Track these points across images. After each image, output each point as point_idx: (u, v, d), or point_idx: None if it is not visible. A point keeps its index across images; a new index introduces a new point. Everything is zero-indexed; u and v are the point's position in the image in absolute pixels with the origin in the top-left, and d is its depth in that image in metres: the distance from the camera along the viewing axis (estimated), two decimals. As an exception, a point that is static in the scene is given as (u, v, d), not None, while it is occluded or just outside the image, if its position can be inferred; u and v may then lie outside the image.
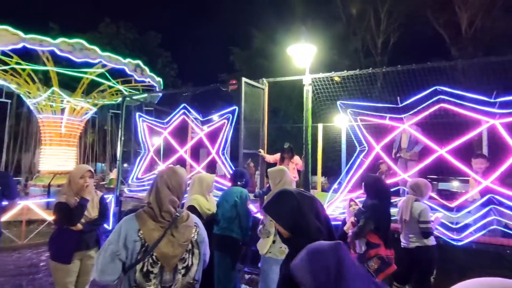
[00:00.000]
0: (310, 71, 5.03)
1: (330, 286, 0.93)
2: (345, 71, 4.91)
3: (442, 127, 5.35)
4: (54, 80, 9.84)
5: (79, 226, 2.76)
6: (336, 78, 5.10)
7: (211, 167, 7.63)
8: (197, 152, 10.23)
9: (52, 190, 9.38)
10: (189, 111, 6.89)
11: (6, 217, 5.83)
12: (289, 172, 3.31)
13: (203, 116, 7.09)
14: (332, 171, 11.46)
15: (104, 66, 9.52)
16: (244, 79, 5.60)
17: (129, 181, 7.28)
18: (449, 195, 6.64)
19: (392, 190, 3.89)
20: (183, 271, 1.58)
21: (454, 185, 9.19)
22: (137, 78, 10.29)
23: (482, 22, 15.71)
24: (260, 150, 5.83)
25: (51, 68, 9.53)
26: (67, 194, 2.78)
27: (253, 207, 3.89)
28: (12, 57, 8.85)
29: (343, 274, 0.93)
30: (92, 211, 2.91)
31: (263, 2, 18.65)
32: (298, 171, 5.94)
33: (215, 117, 6.87)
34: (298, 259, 1.02)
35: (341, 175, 5.63)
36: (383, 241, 2.97)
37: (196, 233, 1.70)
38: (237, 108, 5.79)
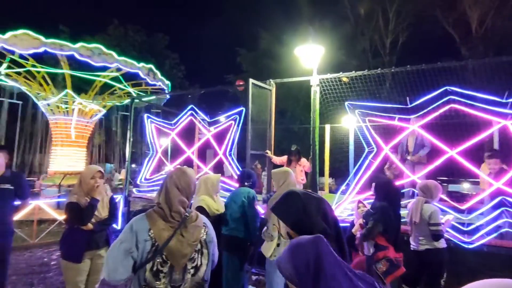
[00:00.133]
0: (317, 71, 5.02)
1: (311, 277, 0.98)
2: (353, 71, 4.88)
3: (453, 128, 5.28)
4: (68, 83, 10.06)
5: (90, 225, 2.80)
6: (344, 79, 5.07)
7: (219, 168, 7.66)
8: (204, 153, 10.30)
9: (54, 190, 9.64)
10: (196, 112, 6.94)
11: (18, 216, 5.96)
12: (293, 174, 3.29)
13: (210, 117, 7.13)
14: (340, 173, 11.39)
15: (119, 70, 9.71)
16: (251, 80, 5.61)
17: (138, 182, 7.36)
18: (460, 197, 6.54)
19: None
20: (192, 271, 1.60)
21: (465, 187, 9.04)
22: (150, 82, 10.52)
23: (493, 21, 15.45)
24: (267, 151, 5.83)
25: (67, 71, 9.76)
26: (78, 194, 2.82)
27: (260, 209, 3.89)
28: (27, 59, 9.06)
29: (322, 266, 0.98)
30: (102, 211, 2.95)
31: (270, 3, 18.66)
32: (306, 173, 5.93)
33: (222, 118, 6.91)
34: (282, 254, 1.08)
35: (349, 177, 5.59)
36: (391, 244, 2.94)
37: (205, 233, 1.71)
38: (244, 109, 5.81)
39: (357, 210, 3.54)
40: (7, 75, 9.52)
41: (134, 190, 7.21)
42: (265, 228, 2.93)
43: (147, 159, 7.53)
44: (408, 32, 17.95)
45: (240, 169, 5.33)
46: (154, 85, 10.97)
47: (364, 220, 3.10)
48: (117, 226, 6.16)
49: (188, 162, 7.20)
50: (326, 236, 1.31)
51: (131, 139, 7.50)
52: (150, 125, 7.41)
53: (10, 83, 10.26)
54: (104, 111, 11.51)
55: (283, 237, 2.88)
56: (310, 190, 1.53)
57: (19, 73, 9.57)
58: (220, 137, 6.57)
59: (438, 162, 4.40)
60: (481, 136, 4.12)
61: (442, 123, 5.28)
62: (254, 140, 5.59)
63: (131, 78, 10.82)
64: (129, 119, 7.61)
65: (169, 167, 7.59)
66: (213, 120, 7.04)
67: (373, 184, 3.28)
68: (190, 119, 7.04)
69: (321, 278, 0.97)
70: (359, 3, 17.92)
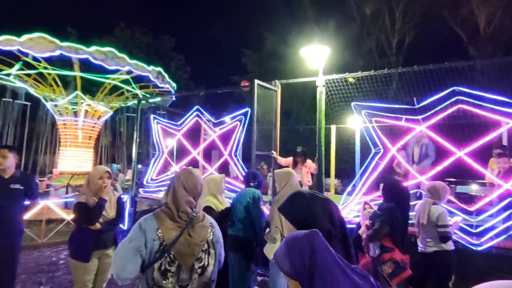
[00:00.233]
0: (323, 72, 5.01)
1: (306, 271, 1.00)
2: (360, 71, 4.86)
3: (461, 128, 5.22)
4: (78, 85, 10.22)
5: (98, 225, 2.83)
6: (350, 79, 5.05)
7: (224, 169, 7.68)
8: (209, 153, 10.34)
9: (53, 190, 9.81)
10: (202, 113, 6.97)
11: (27, 216, 6.04)
12: (295, 175, 3.26)
13: (215, 118, 7.16)
14: (346, 173, 11.33)
15: (129, 72, 9.86)
16: (256, 81, 5.62)
17: (144, 182, 7.42)
18: (468, 199, 6.46)
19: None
20: (199, 271, 1.61)
21: (473, 188, 8.91)
22: (159, 84, 10.68)
23: (501, 20, 15.24)
24: (273, 151, 5.83)
25: (78, 73, 9.92)
26: (86, 194, 2.86)
27: (266, 210, 3.90)
28: (40, 62, 9.23)
29: (317, 260, 1.01)
30: (110, 211, 2.98)
31: (275, 4, 18.69)
32: (311, 174, 5.93)
33: (227, 119, 6.92)
34: (279, 248, 1.11)
35: (355, 178, 5.57)
36: (398, 246, 2.92)
37: (212, 233, 1.73)
38: (249, 110, 5.82)
39: (363, 211, 3.53)
40: (17, 76, 9.68)
41: (140, 190, 7.26)
42: (268, 230, 2.92)
43: (153, 159, 7.58)
44: (415, 32, 17.79)
45: (245, 170, 5.34)
46: (163, 87, 11.13)
47: (370, 221, 3.09)
48: (124, 226, 6.22)
49: (194, 163, 7.24)
50: (331, 236, 1.32)
51: (138, 140, 7.57)
52: (156, 126, 7.47)
53: (18, 84, 10.44)
54: (111, 112, 11.65)
55: None
56: (317, 191, 1.54)
57: (28, 75, 9.73)
58: (225, 138, 6.59)
59: (446, 163, 4.35)
60: (489, 136, 4.07)
61: (450, 124, 5.22)
62: (260, 141, 5.60)
63: (138, 80, 10.95)
64: (135, 120, 7.68)
65: (175, 167, 7.63)
66: (218, 121, 7.06)
67: (381, 185, 3.25)
68: (196, 120, 7.07)
69: (317, 272, 0.99)
70: (365, 3, 17.83)
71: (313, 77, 5.13)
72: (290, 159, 5.90)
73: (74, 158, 10.60)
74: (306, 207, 1.39)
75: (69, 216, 6.78)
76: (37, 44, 8.28)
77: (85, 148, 10.86)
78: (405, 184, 4.79)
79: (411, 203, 3.75)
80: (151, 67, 10.29)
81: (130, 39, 22.63)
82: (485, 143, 4.07)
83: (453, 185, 8.35)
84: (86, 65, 10.08)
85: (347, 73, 4.99)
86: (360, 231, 3.21)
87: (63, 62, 10.07)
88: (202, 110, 7.01)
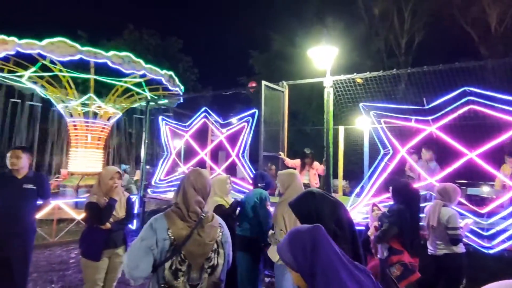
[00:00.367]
0: (331, 73, 4.99)
1: (308, 263, 1.03)
2: (368, 72, 4.83)
3: (472, 129, 5.13)
4: (91, 87, 10.48)
5: (108, 225, 2.88)
6: (359, 80, 5.02)
7: (231, 170, 7.71)
8: (216, 154, 10.39)
9: (63, 190, 10.02)
10: (209, 114, 7.01)
11: (39, 215, 6.16)
12: (299, 176, 3.23)
13: (222, 119, 7.20)
14: (354, 175, 11.24)
15: (144, 76, 10.12)
16: (264, 82, 5.63)
17: (152, 183, 7.50)
18: (479, 201, 6.35)
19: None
20: (209, 271, 1.63)
21: (485, 190, 8.75)
22: (170, 88, 10.91)
23: (513, 19, 14.94)
24: (280, 152, 5.83)
25: (93, 76, 10.13)
26: (97, 194, 2.91)
27: (272, 210, 3.90)
28: (55, 64, 9.44)
29: (318, 253, 1.03)
30: (119, 211, 3.02)
31: (282, 5, 18.66)
32: (319, 176, 5.91)
33: (234, 120, 6.95)
34: (282, 241, 1.14)
35: (364, 179, 5.52)
36: (407, 248, 2.88)
37: (220, 233, 1.75)
38: (257, 111, 5.83)
39: (372, 213, 3.50)
40: (29, 78, 9.89)
41: (148, 191, 7.34)
42: (272, 232, 2.91)
43: (161, 160, 7.66)
44: (424, 31, 17.55)
45: (253, 171, 5.35)
46: (174, 90, 11.34)
47: (379, 223, 3.06)
48: (132, 226, 6.30)
49: (201, 164, 7.28)
50: (336, 237, 1.33)
51: (147, 141, 7.65)
52: (165, 127, 7.54)
53: (28, 85, 10.67)
54: (120, 113, 11.81)
55: None
56: (328, 193, 1.57)
57: (41, 77, 9.94)
58: (233, 139, 6.62)
59: (456, 164, 4.28)
60: (501, 138, 4.00)
61: (461, 125, 5.14)
62: (267, 141, 5.61)
63: (148, 83, 11.15)
64: (144, 121, 7.77)
65: (182, 168, 7.69)
66: (225, 122, 7.09)
67: (391, 188, 3.22)
68: (203, 121, 7.12)
69: (318, 266, 1.01)
70: (373, 3, 17.68)
71: (320, 77, 5.11)
72: (297, 161, 5.90)
73: (85, 159, 10.76)
74: (313, 206, 1.45)
75: (79, 216, 6.89)
76: (57, 48, 8.49)
77: (95, 149, 11.03)
78: (418, 185, 4.76)
79: (422, 205, 3.71)
80: (163, 71, 10.57)
81: (139, 41, 22.88)
82: (497, 145, 4.00)
83: (464, 187, 8.22)
84: (96, 68, 10.27)
85: (355, 74, 4.97)
86: (369, 233, 3.19)
87: (76, 64, 10.25)
88: (210, 111, 7.05)
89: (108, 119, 11.27)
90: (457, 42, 16.52)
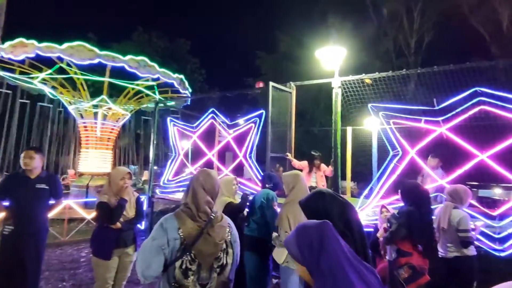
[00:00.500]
0: (339, 73, 4.97)
1: (314, 258, 1.04)
2: (377, 72, 4.79)
3: (483, 130, 5.04)
4: (105, 89, 10.70)
5: (118, 224, 2.92)
6: (367, 80, 4.99)
7: (238, 170, 7.73)
8: (223, 155, 10.43)
9: (72, 190, 10.18)
10: (217, 115, 7.05)
11: (51, 214, 6.28)
12: (304, 178, 3.22)
13: (230, 120, 7.23)
14: (362, 176, 11.14)
15: (156, 79, 10.35)
16: (271, 83, 5.64)
17: (161, 183, 7.57)
18: (491, 203, 6.23)
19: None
20: (218, 270, 1.64)
21: (496, 192, 8.59)
22: (181, 91, 11.21)
23: (526, 18, 14.63)
24: (288, 153, 5.83)
25: (107, 79, 10.36)
26: (108, 194, 2.96)
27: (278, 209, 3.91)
28: (71, 67, 9.66)
29: (325, 248, 1.04)
30: (129, 211, 3.07)
31: (290, 6, 18.66)
32: (326, 177, 5.90)
33: (242, 121, 6.97)
34: (290, 235, 1.15)
35: (373, 181, 5.47)
36: (416, 250, 2.85)
37: (229, 233, 1.77)
38: (264, 112, 5.84)
39: (381, 215, 3.48)
40: (42, 79, 10.10)
41: (157, 191, 7.41)
42: (276, 234, 2.91)
43: (169, 161, 7.72)
44: (434, 31, 17.32)
45: (260, 172, 5.36)
46: (184, 93, 11.52)
47: (388, 224, 3.04)
48: (141, 226, 6.36)
49: (209, 165, 7.32)
50: (345, 238, 1.33)
51: (155, 142, 7.73)
52: (173, 128, 7.61)
53: (39, 86, 10.89)
54: (129, 115, 11.99)
55: None
56: (336, 193, 1.58)
57: (54, 79, 10.15)
58: (240, 139, 6.63)
59: (467, 166, 4.21)
60: (514, 139, 3.92)
61: (471, 125, 5.06)
62: (274, 142, 5.61)
63: (158, 85, 11.33)
64: (152, 122, 7.86)
65: (190, 169, 7.75)
66: (233, 123, 7.12)
67: (399, 190, 3.19)
68: (211, 122, 7.16)
69: (324, 261, 1.02)
70: (382, 3, 17.53)
71: (328, 78, 5.09)
72: (304, 163, 5.89)
73: (95, 159, 10.93)
74: (322, 205, 1.46)
75: (89, 215, 7.00)
76: (77, 52, 8.75)
77: (105, 149, 11.20)
78: (428, 186, 4.69)
79: (432, 207, 3.66)
80: (175, 75, 10.86)
81: (148, 43, 23.16)
82: (508, 146, 3.92)
83: (475, 189, 8.07)
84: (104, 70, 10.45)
85: (363, 74, 4.93)
86: (378, 234, 3.17)
87: (90, 67, 10.45)
88: (217, 112, 7.09)
89: (117, 121, 11.43)
90: (468, 42, 16.22)
